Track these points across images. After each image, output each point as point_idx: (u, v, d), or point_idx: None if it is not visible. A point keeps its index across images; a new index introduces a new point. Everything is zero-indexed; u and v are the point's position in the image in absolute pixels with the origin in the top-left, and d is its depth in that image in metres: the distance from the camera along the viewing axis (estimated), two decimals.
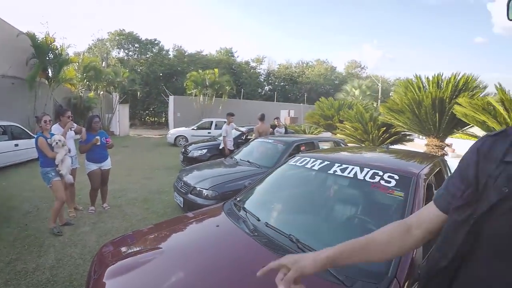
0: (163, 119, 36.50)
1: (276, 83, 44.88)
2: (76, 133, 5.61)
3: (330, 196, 2.87)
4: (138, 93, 24.16)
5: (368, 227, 2.37)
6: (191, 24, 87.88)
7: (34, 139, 4.74)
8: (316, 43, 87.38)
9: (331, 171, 2.77)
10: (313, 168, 2.96)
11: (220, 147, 9.18)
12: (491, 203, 0.82)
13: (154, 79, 32.40)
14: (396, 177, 2.47)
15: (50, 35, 15.40)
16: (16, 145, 9.90)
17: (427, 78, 8.85)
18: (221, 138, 9.72)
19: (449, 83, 8.12)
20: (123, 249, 2.38)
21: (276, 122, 10.21)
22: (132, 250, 2.30)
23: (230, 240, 2.40)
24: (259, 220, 2.50)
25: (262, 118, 9.00)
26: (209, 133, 17.03)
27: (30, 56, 15.13)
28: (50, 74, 15.89)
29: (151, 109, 34.76)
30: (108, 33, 35.84)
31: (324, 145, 7.29)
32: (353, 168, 2.70)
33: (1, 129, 9.88)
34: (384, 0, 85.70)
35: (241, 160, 6.41)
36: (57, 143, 4.83)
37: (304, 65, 49.62)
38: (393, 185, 2.40)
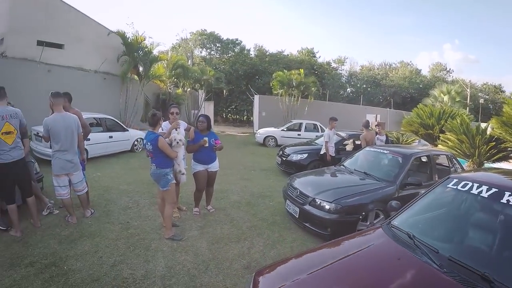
0: (245, 117, 36.44)
1: (358, 85, 42.88)
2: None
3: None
4: (224, 91, 24.13)
5: None
6: (272, 24, 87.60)
7: (154, 137, 4.27)
8: (395, 43, 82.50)
9: (503, 201, 2.38)
10: (480, 195, 2.58)
11: (321, 153, 8.62)
12: None
13: (237, 78, 32.34)
14: None
15: (139, 34, 15.88)
16: (111, 137, 9.85)
17: None
18: (316, 141, 9.68)
19: None
20: (280, 279, 2.24)
21: (377, 129, 9.28)
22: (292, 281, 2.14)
23: (419, 277, 2.14)
24: (437, 252, 2.27)
25: (367, 125, 8.50)
26: (298, 135, 16.39)
27: (121, 54, 15.71)
28: (140, 71, 16.20)
29: (233, 107, 34.77)
30: (190, 33, 36.91)
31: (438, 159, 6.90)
32: None
33: (96, 121, 9.85)
34: None
35: (355, 170, 6.00)
36: (178, 142, 4.54)
37: (387, 67, 47.14)
38: None
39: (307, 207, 4.86)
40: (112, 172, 8.16)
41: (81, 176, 4.87)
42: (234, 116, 38.07)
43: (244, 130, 26.14)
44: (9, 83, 10.67)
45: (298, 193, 5.21)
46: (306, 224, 4.90)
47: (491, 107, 36.31)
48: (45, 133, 4.48)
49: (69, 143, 4.53)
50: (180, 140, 4.50)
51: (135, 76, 16.50)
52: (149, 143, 4.26)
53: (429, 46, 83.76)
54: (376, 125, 9.66)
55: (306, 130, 16.69)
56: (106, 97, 14.95)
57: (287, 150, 9.83)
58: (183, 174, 4.67)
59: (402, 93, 41.10)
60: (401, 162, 5.65)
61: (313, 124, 17.16)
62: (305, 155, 9.24)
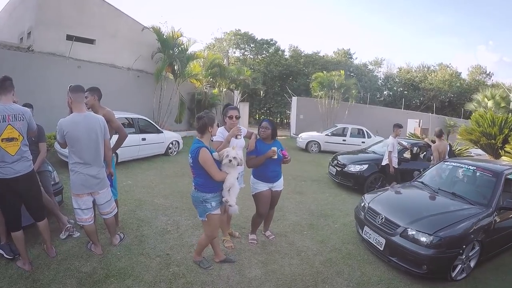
0: (278, 119, 35.82)
1: (394, 88, 41.29)
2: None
3: None
4: (261, 92, 23.07)
5: None
6: (308, 24, 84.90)
7: (195, 148, 3.23)
8: (429, 44, 78.21)
9: None
10: None
11: (383, 164, 7.59)
12: None
13: (271, 79, 31.36)
14: None
15: (174, 30, 14.90)
16: (144, 139, 8.89)
17: None
18: (371, 149, 9.19)
19: None
20: None
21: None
22: None
23: None
24: None
25: (440, 134, 7.46)
26: (344, 140, 15.23)
27: (156, 51, 14.89)
28: (175, 69, 15.24)
29: (266, 108, 33.82)
30: (224, 33, 36.12)
31: None
32: None
33: (128, 121, 8.96)
34: None
35: (440, 189, 5.12)
36: (230, 160, 3.26)
37: (426, 69, 44.70)
38: None
39: (396, 238, 4.00)
40: (145, 180, 7.11)
41: (109, 194, 3.74)
42: (267, 118, 36.90)
43: (279, 133, 24.75)
44: (35, 79, 10.07)
45: (383, 219, 4.32)
46: (393, 259, 4.01)
47: None
48: (60, 139, 3.38)
49: (93, 153, 3.42)
50: (234, 158, 3.27)
51: (170, 75, 15.54)
52: (189, 155, 3.19)
53: (463, 47, 79.57)
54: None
55: (351, 135, 15.42)
56: (139, 96, 14.16)
57: (342, 159, 8.70)
58: (230, 206, 3.43)
59: (441, 96, 39.11)
60: (492, 180, 4.81)
61: (358, 129, 15.84)
62: (366, 166, 8.04)
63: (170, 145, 10.32)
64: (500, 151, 11.52)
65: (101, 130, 3.48)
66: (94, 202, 3.61)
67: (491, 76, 43.21)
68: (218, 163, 3.27)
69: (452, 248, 3.77)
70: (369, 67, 40.80)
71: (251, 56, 36.19)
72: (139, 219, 4.73)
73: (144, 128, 9.48)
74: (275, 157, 3.93)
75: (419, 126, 21.68)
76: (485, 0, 70.43)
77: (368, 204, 4.80)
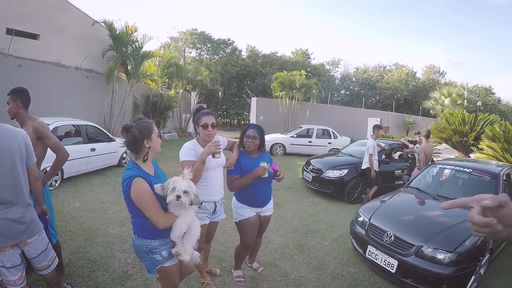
0: (235, 121, 35.45)
1: (351, 88, 42.03)
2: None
3: None
4: (220, 93, 22.12)
5: None
6: (264, 25, 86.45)
7: (126, 177, 2.14)
8: (384, 45, 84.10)
9: None
10: None
11: (363, 167, 7.27)
12: None
13: (228, 80, 30.68)
14: None
15: (128, 25, 13.44)
16: (93, 149, 7.72)
17: None
18: (344, 151, 9.04)
19: None
20: None
21: (417, 138, 8.06)
22: None
23: None
24: None
25: (428, 135, 7.13)
26: (309, 142, 14.61)
27: (107, 48, 13.40)
28: (129, 68, 13.93)
29: (223, 110, 33.00)
30: (180, 32, 35.25)
31: None
32: None
33: (76, 129, 7.81)
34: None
35: (439, 196, 4.76)
36: (178, 197, 2.07)
37: (382, 69, 46.52)
38: None
39: (411, 259, 3.49)
40: (96, 201, 5.93)
41: (44, 242, 2.55)
42: (224, 120, 36.43)
43: (237, 135, 23.91)
44: None
45: (392, 238, 3.74)
46: (407, 280, 3.55)
47: (482, 109, 35.74)
48: None
49: (10, 186, 2.27)
50: (185, 192, 2.08)
51: (123, 75, 14.19)
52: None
53: (415, 48, 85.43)
54: (415, 134, 8.60)
55: (317, 136, 14.84)
56: (88, 99, 12.71)
57: (316, 164, 8.05)
58: (184, 260, 2.27)
59: (397, 95, 40.46)
60: (490, 182, 4.72)
61: (323, 129, 15.31)
62: (345, 171, 7.42)
63: (124, 155, 9.08)
64: (472, 147, 11.79)
65: (20, 151, 2.35)
66: (23, 255, 2.48)
67: (444, 75, 45.65)
68: (163, 199, 2.14)
69: (472, 262, 3.45)
70: (326, 67, 41.10)
71: (207, 56, 35.58)
72: (90, 260, 3.65)
73: (94, 136, 8.28)
74: (266, 175, 3.03)
75: (381, 124, 22.01)
76: (432, 5, 76.98)
77: (369, 220, 4.17)
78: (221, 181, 3.05)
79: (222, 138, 3.18)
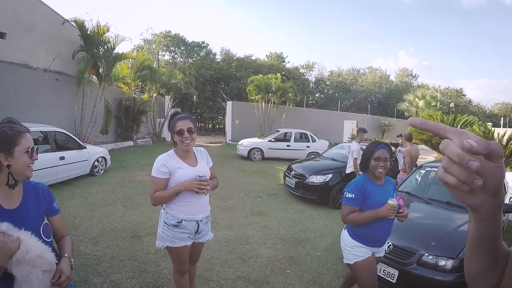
0: (210, 125, 35.21)
1: (325, 91, 42.53)
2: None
3: None
4: (194, 97, 21.62)
5: None
6: (238, 29, 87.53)
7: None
8: (354, 50, 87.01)
9: None
10: None
11: (348, 172, 7.13)
12: None
13: (203, 83, 30.20)
14: None
15: (100, 25, 12.76)
16: (62, 158, 7.20)
17: None
18: (328, 155, 8.90)
19: None
20: None
21: (399, 141, 8.06)
22: None
23: None
24: None
25: (410, 137, 7.17)
26: (288, 146, 14.35)
27: (78, 49, 12.71)
28: (100, 71, 13.35)
29: (198, 114, 32.54)
30: (153, 34, 34.49)
31: None
32: None
33: (43, 135, 7.36)
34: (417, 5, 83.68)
35: (431, 199, 4.65)
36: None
37: (356, 72, 47.57)
38: None
39: (413, 268, 3.35)
40: (66, 214, 5.39)
41: None
42: (199, 124, 35.70)
43: (213, 139, 23.73)
44: None
45: (391, 247, 3.56)
46: None
47: (454, 110, 37.04)
48: None
49: None
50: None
51: (94, 77, 13.57)
52: None
53: (385, 53, 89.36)
54: (397, 136, 8.45)
55: (295, 140, 14.64)
56: (57, 103, 12.08)
57: (298, 169, 7.84)
58: None
59: (371, 97, 41.39)
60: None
61: (301, 133, 15.13)
62: (330, 176, 7.26)
63: (96, 163, 8.58)
64: None
65: None
66: None
67: (416, 78, 47.47)
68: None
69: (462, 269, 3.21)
70: (301, 70, 41.02)
71: (181, 60, 35.08)
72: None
73: (63, 143, 7.76)
74: (393, 216, 2.56)
75: (356, 127, 22.18)
76: (401, 11, 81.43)
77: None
78: (206, 198, 2.65)
79: (204, 151, 2.78)
